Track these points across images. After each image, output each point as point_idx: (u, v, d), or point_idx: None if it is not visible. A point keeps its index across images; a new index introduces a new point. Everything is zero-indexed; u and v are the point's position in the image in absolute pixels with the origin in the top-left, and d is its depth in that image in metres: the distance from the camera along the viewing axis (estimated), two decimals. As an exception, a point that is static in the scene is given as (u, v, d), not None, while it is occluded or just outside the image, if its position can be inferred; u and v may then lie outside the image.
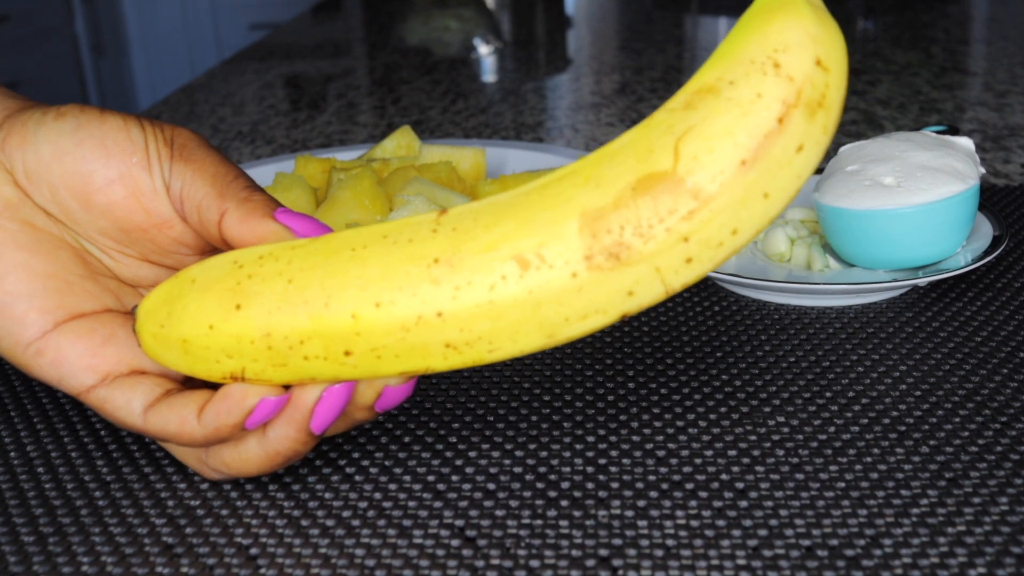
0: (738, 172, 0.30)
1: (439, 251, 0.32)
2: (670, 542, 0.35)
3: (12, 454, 0.42)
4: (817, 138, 0.31)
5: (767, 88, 0.30)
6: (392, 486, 0.39)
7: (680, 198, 0.30)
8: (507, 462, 0.40)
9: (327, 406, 0.35)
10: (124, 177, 0.37)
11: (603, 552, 0.34)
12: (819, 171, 0.65)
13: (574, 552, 0.34)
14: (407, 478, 0.39)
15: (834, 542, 0.34)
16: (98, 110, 0.37)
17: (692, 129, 0.30)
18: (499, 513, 0.37)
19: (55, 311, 0.37)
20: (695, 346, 0.48)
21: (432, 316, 0.32)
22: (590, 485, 0.38)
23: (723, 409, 0.43)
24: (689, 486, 0.38)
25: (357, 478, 0.39)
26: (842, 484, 0.37)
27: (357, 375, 0.34)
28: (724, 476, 0.38)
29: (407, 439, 0.42)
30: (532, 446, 0.41)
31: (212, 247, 0.39)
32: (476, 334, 0.32)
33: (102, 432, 0.43)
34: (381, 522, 0.36)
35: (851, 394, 0.44)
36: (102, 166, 0.36)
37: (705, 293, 0.54)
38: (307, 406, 0.35)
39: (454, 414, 0.43)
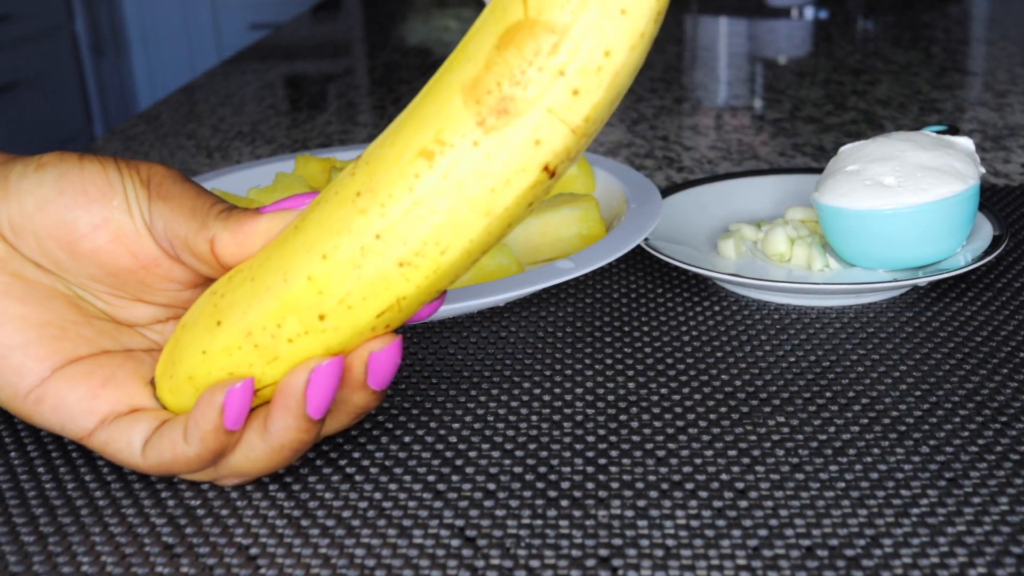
0: None
1: (359, 185, 0.33)
2: (670, 542, 0.35)
3: (12, 454, 0.42)
4: None
5: None
6: (392, 486, 0.39)
7: (540, 37, 0.31)
8: (507, 462, 0.40)
9: (317, 385, 0.35)
10: (107, 221, 0.37)
11: (603, 552, 0.34)
12: (819, 171, 0.65)
13: (574, 552, 0.34)
14: (407, 478, 0.39)
15: (834, 542, 0.34)
16: (77, 156, 0.38)
17: None
18: (499, 513, 0.37)
19: (52, 357, 0.37)
20: (695, 346, 0.48)
21: (372, 241, 0.33)
22: (590, 485, 0.38)
23: (723, 409, 0.43)
24: (689, 486, 0.38)
25: (357, 478, 0.39)
26: (842, 484, 0.37)
27: (342, 339, 0.35)
28: (724, 476, 0.38)
29: (407, 439, 0.42)
30: (532, 446, 0.41)
31: (204, 280, 0.38)
32: (420, 240, 0.33)
33: (102, 432, 0.43)
34: (381, 522, 0.36)
35: (851, 394, 0.44)
36: (85, 212, 0.36)
37: (705, 293, 0.54)
38: (298, 390, 0.35)
39: (454, 414, 0.43)
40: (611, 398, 0.44)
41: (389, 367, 0.36)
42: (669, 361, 0.47)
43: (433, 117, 0.32)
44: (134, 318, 0.39)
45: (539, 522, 0.36)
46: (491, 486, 0.38)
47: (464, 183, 0.32)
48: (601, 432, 0.42)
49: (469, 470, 0.39)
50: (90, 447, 0.38)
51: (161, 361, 0.38)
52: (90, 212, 0.36)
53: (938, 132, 0.59)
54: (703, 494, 0.37)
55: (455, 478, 0.39)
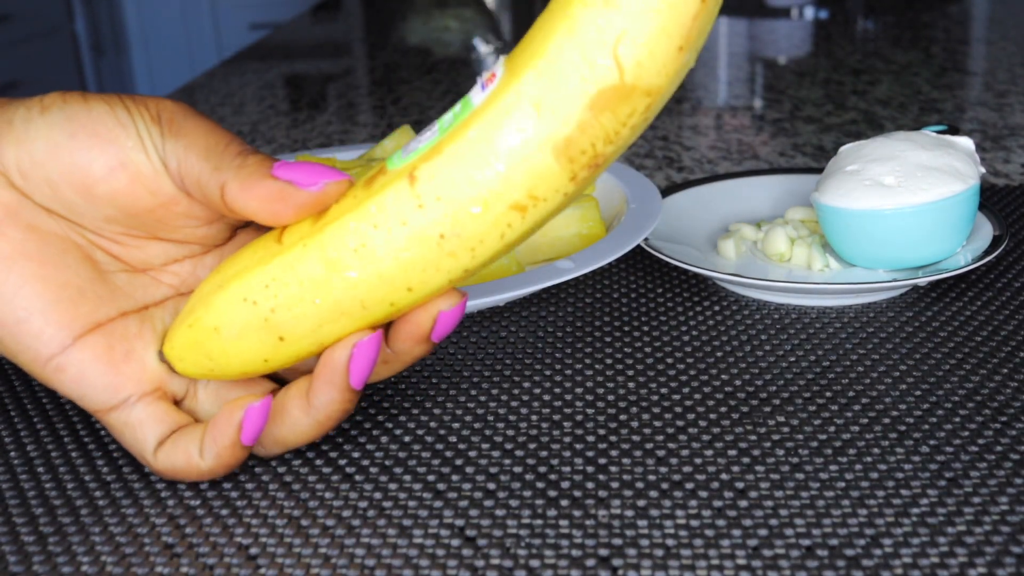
0: (676, 57, 0.32)
1: (443, 228, 0.34)
2: (670, 542, 0.35)
3: (12, 454, 0.42)
4: None
5: None
6: (392, 486, 0.39)
7: (635, 102, 0.32)
8: (507, 462, 0.40)
9: (360, 359, 0.36)
10: (124, 163, 0.36)
11: (603, 552, 0.34)
12: (819, 171, 0.65)
13: (574, 552, 0.34)
14: (407, 478, 0.39)
15: (834, 542, 0.34)
16: (81, 96, 0.36)
17: (625, 34, 0.31)
18: (499, 513, 0.37)
19: (72, 324, 0.37)
20: (695, 346, 0.48)
21: (459, 275, 0.35)
22: (590, 485, 0.38)
23: (723, 409, 0.43)
24: (689, 486, 0.38)
25: (357, 478, 0.39)
26: (842, 484, 0.37)
27: (382, 320, 0.36)
28: (724, 476, 0.38)
29: (407, 439, 0.42)
30: (532, 446, 0.41)
31: (220, 216, 0.38)
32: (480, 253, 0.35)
33: (102, 432, 0.43)
34: (381, 522, 0.36)
35: (851, 394, 0.44)
36: (100, 154, 0.35)
37: (705, 293, 0.54)
38: (341, 365, 0.36)
39: (454, 414, 0.43)
40: (611, 398, 0.44)
41: (453, 323, 0.37)
42: (669, 361, 0.47)
43: (526, 175, 0.33)
44: (149, 258, 0.39)
45: (539, 522, 0.36)
46: (491, 486, 0.38)
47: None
48: (601, 432, 0.42)
49: (469, 470, 0.39)
50: (105, 423, 0.38)
51: (178, 345, 0.37)
52: (105, 154, 0.35)
53: (938, 132, 0.59)
54: (703, 494, 0.37)
55: (455, 478, 0.39)
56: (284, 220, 0.35)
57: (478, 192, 0.33)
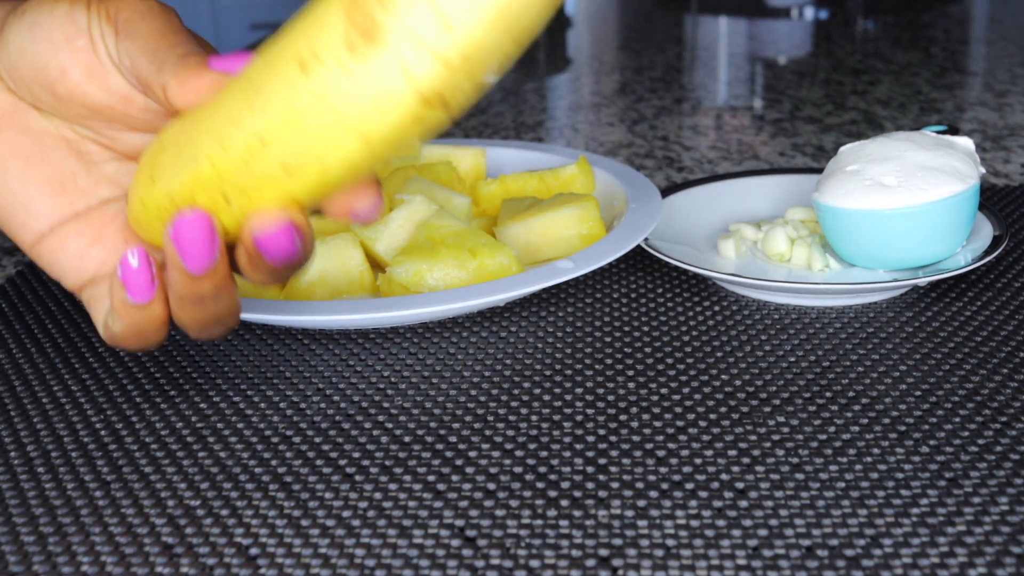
0: None
1: (255, 77, 0.33)
2: (670, 542, 0.35)
3: (12, 454, 0.42)
4: None
5: None
6: (392, 486, 0.39)
7: None
8: (507, 462, 0.40)
9: (181, 236, 0.35)
10: (74, 64, 0.37)
11: (603, 552, 0.34)
12: (819, 171, 0.65)
13: (574, 552, 0.34)
14: (407, 478, 0.39)
15: (834, 542, 0.34)
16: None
17: None
18: (499, 513, 0.37)
19: (50, 215, 0.39)
20: (695, 346, 0.48)
21: (257, 143, 0.33)
22: (590, 485, 0.38)
23: (723, 409, 0.43)
24: (689, 486, 0.38)
25: (357, 478, 0.39)
26: (842, 484, 0.37)
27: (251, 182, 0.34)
28: (724, 476, 0.38)
29: (407, 439, 0.42)
30: (532, 446, 0.41)
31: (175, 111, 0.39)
32: (299, 150, 0.32)
33: (102, 432, 0.43)
34: (381, 522, 0.36)
35: (851, 394, 0.44)
36: (52, 57, 0.37)
37: (705, 293, 0.54)
38: (170, 244, 0.35)
39: (454, 414, 0.43)
40: (611, 398, 0.44)
41: (271, 247, 0.35)
42: (669, 361, 0.47)
43: (313, 24, 0.31)
44: (133, 147, 0.40)
45: (539, 522, 0.36)
46: (491, 486, 0.38)
47: (336, 103, 0.31)
48: (601, 432, 0.42)
49: (469, 470, 0.39)
50: (82, 301, 0.39)
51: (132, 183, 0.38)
52: (57, 56, 0.37)
53: (938, 132, 0.59)
54: (703, 494, 0.37)
55: (455, 478, 0.39)
56: None
57: (290, 26, 0.32)
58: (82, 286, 0.39)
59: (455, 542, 0.35)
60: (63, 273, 0.39)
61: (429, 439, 0.42)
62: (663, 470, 0.39)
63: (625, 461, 0.40)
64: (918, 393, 0.43)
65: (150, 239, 0.38)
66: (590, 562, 0.34)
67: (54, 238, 0.39)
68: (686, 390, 0.45)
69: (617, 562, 0.34)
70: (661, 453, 0.40)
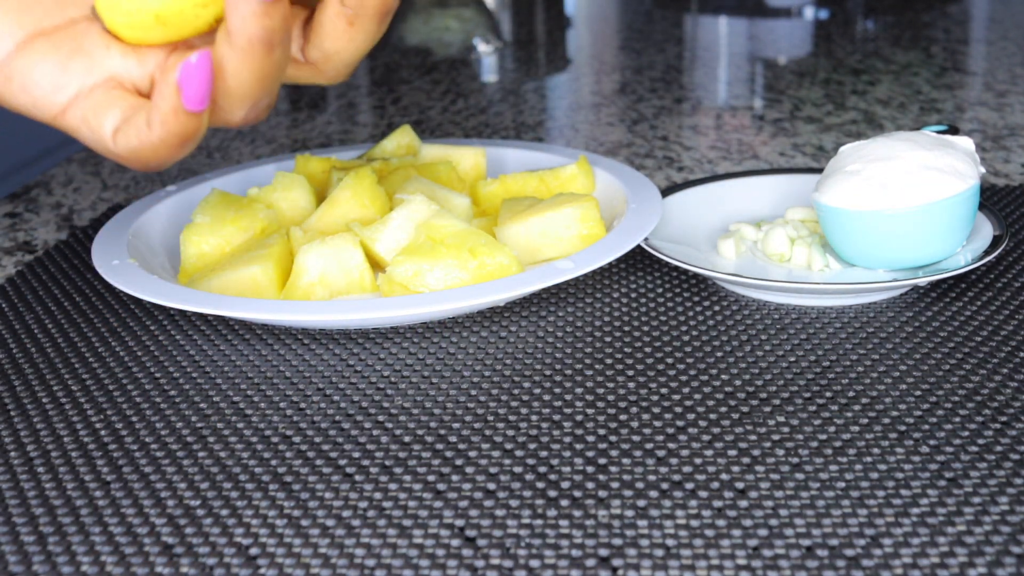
0: None
1: None
2: (670, 542, 0.35)
3: (12, 454, 0.42)
4: None
5: None
6: (392, 486, 0.39)
7: None
8: (507, 462, 0.40)
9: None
10: None
11: (603, 552, 0.34)
12: (819, 171, 0.65)
13: (574, 552, 0.34)
14: (407, 478, 0.39)
15: (834, 542, 0.34)
16: None
17: None
18: (499, 513, 0.37)
19: (13, 32, 0.36)
20: (695, 346, 0.48)
21: None
22: (590, 485, 0.38)
23: (723, 409, 0.43)
24: (689, 486, 0.38)
25: (357, 478, 0.39)
26: (842, 484, 0.37)
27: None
28: (724, 476, 0.38)
29: (407, 439, 0.42)
30: (532, 446, 0.41)
31: None
32: None
33: (102, 432, 0.43)
34: (381, 522, 0.36)
35: (851, 394, 0.44)
36: None
37: (705, 293, 0.54)
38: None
39: (454, 414, 0.43)
40: (611, 398, 0.44)
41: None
42: (669, 361, 0.47)
43: None
44: None
45: (539, 522, 0.36)
46: (491, 486, 0.38)
47: None
48: (601, 432, 0.42)
49: (469, 470, 0.39)
50: (63, 127, 0.37)
51: None
52: None
53: (938, 132, 0.59)
54: (703, 494, 0.37)
55: (455, 478, 0.39)
56: None
57: None
58: (64, 107, 0.36)
59: (455, 542, 0.35)
60: (40, 95, 0.36)
61: (429, 439, 0.42)
62: (663, 470, 0.39)
63: (625, 461, 0.40)
64: (918, 393, 0.43)
65: (138, 39, 0.36)
66: (590, 562, 0.34)
67: (23, 57, 0.36)
68: (686, 390, 0.45)
69: (617, 562, 0.34)
70: (661, 453, 0.40)
